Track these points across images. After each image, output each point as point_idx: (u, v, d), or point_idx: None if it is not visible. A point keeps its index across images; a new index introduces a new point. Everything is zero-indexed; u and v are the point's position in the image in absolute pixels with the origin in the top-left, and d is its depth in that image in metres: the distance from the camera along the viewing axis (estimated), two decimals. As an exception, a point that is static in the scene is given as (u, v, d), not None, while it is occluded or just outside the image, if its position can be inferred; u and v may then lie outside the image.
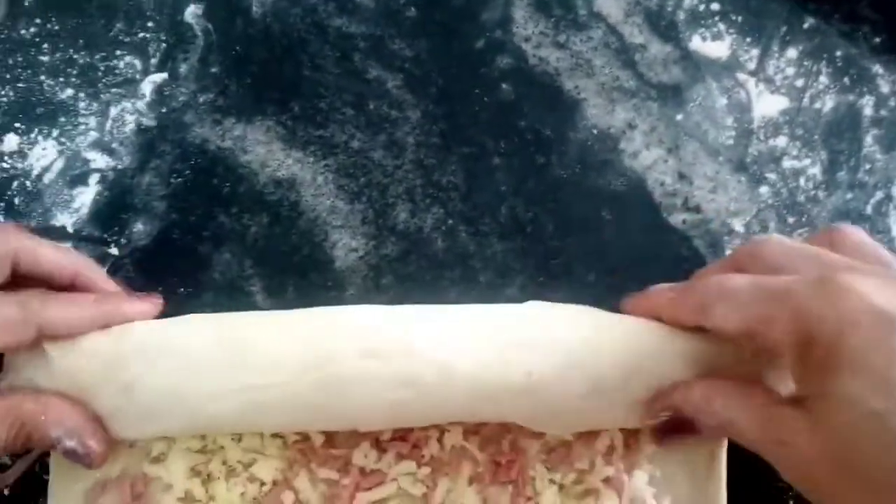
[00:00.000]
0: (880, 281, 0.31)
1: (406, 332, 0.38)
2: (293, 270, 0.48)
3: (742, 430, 0.33)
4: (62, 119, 0.51)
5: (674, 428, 0.38)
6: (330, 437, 0.42)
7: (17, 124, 0.51)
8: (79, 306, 0.39)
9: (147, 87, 0.52)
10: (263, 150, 0.50)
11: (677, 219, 0.48)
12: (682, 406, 0.36)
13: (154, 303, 0.42)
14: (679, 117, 0.50)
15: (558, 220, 0.48)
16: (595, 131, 0.50)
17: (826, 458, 0.30)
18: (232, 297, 0.47)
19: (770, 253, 0.36)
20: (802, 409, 0.31)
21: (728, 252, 0.47)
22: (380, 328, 0.38)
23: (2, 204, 0.49)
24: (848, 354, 0.29)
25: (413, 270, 0.48)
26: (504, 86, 0.51)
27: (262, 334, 0.38)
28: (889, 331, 0.29)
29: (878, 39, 0.52)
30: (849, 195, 0.48)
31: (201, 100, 0.51)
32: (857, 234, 0.36)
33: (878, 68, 0.51)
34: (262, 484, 0.42)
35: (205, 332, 0.39)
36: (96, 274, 0.42)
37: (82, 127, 0.51)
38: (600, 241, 0.48)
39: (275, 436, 0.42)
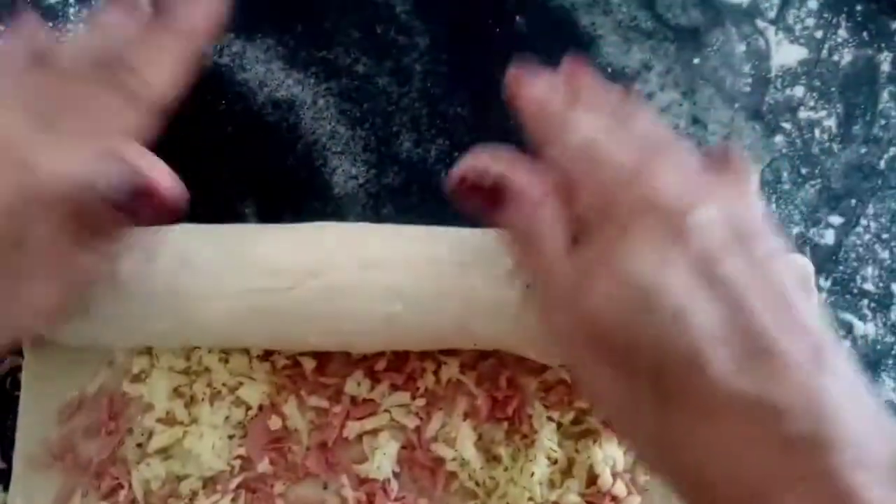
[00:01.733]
0: (683, 172, 0.31)
1: (407, 246, 0.36)
2: (289, 194, 0.45)
3: (533, 251, 0.32)
4: (49, 24, 0.48)
5: (471, 192, 0.35)
6: (321, 365, 0.41)
7: (1, 28, 0.48)
8: (165, 51, 0.34)
9: (141, -4, 0.49)
10: (262, 69, 0.48)
11: (689, 163, 0.47)
12: (508, 184, 0.33)
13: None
14: (696, 61, 0.49)
15: (567, 159, 0.46)
16: (610, 70, 0.48)
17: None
18: (223, 219, 0.45)
19: (625, 128, 0.34)
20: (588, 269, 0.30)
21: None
22: (379, 242, 0.37)
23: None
24: (635, 229, 0.29)
25: (415, 201, 0.46)
26: (518, 18, 0.49)
27: (261, 240, 0.36)
28: (669, 226, 0.29)
29: (898, -3, 0.51)
30: (863, 149, 0.47)
31: (199, 13, 0.48)
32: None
33: (897, 25, 0.50)
34: (248, 408, 0.40)
35: (203, 236, 0.37)
36: None
37: (72, 32, 0.48)
38: (610, 181, 0.46)
39: (263, 360, 0.40)
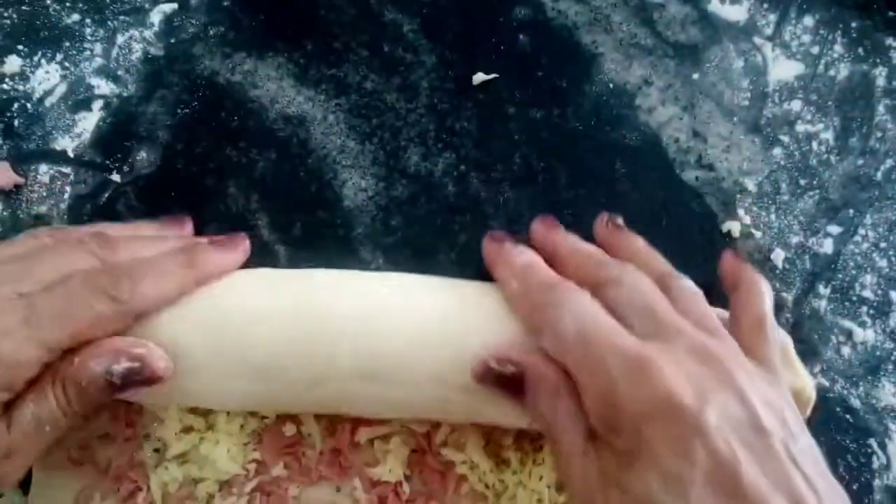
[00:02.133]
0: (693, 363, 0.31)
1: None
2: (301, 207, 0.47)
3: (555, 441, 0.33)
4: (66, 44, 0.49)
5: (496, 380, 0.36)
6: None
7: (19, 46, 0.49)
8: (170, 275, 0.37)
9: (156, 16, 0.50)
10: (274, 86, 0.49)
11: (690, 175, 0.48)
12: (524, 374, 0.35)
13: (242, 247, 0.41)
14: (695, 76, 0.50)
15: (571, 171, 0.48)
16: (611, 86, 0.50)
17: None
18: (236, 231, 0.46)
19: (619, 284, 0.35)
20: (603, 481, 0.30)
21: (740, 211, 0.47)
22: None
23: (0, 126, 0.48)
24: (645, 450, 0.29)
25: (423, 213, 0.47)
26: (521, 36, 0.50)
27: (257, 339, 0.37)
28: (683, 428, 0.28)
29: (891, 14, 0.52)
30: (860, 161, 0.49)
31: (211, 32, 0.50)
32: (690, 290, 0.36)
33: (891, 41, 0.52)
34: (264, 417, 0.41)
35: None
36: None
37: (87, 53, 0.49)
38: (613, 193, 0.47)
39: None
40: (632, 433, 0.30)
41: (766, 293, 0.36)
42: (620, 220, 0.42)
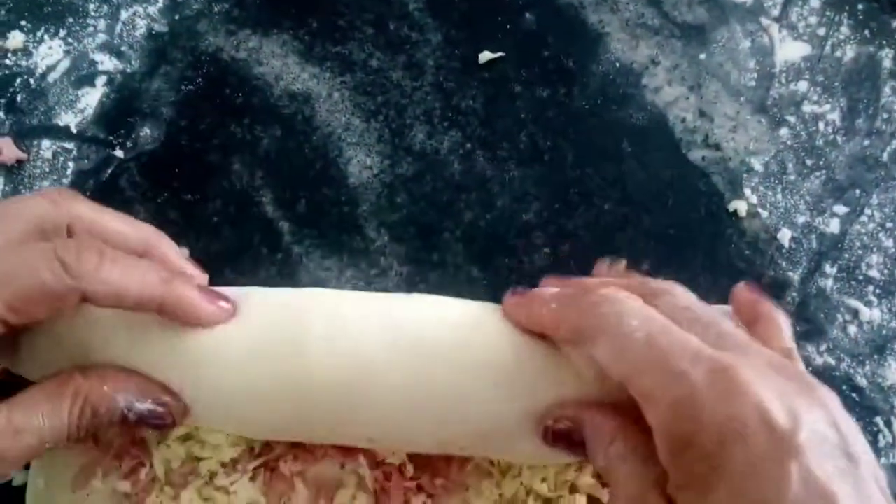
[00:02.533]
0: (778, 378, 0.27)
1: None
2: (305, 184, 0.46)
3: (622, 494, 0.29)
4: (70, 19, 0.49)
5: (556, 438, 0.34)
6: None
7: (23, 22, 0.49)
8: (139, 278, 0.32)
9: (160, -7, 0.50)
10: (279, 63, 0.49)
11: (696, 155, 0.48)
12: (581, 426, 0.33)
13: (225, 310, 0.35)
14: (702, 57, 0.50)
15: (578, 150, 0.47)
16: (618, 65, 0.49)
17: None
18: (240, 208, 0.46)
19: (671, 294, 0.32)
20: None
21: (746, 190, 0.47)
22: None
23: (3, 101, 0.47)
24: (728, 470, 0.25)
25: (428, 191, 0.47)
26: (527, 15, 0.50)
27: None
28: (774, 449, 0.25)
29: (898, -4, 0.52)
30: (866, 142, 0.48)
31: (216, 9, 0.50)
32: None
33: (897, 23, 0.51)
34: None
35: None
36: (169, 250, 0.38)
37: (91, 28, 0.49)
38: (619, 172, 0.47)
39: None
40: (712, 452, 0.26)
41: (786, 325, 0.33)
42: (623, 265, 0.39)
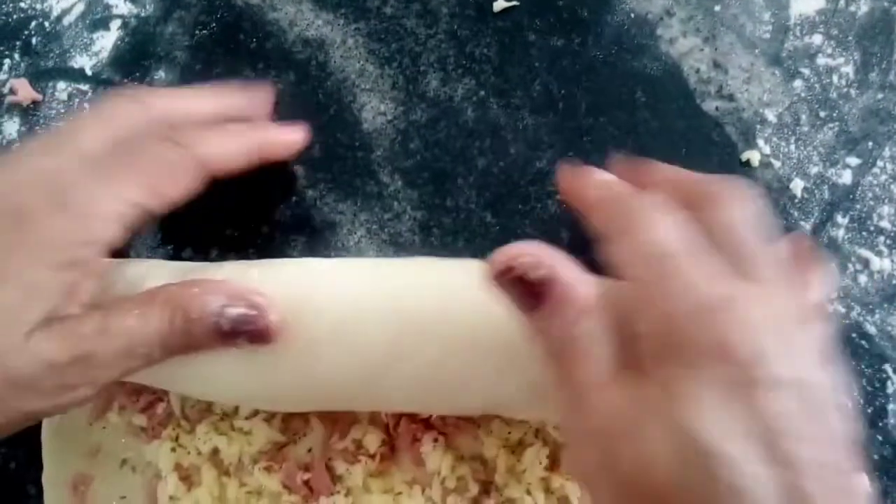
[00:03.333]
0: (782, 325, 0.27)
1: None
2: (320, 129, 0.46)
3: (566, 369, 0.29)
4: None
5: (513, 282, 0.30)
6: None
7: (36, -35, 0.49)
8: (233, 138, 0.37)
9: (174, -62, 0.50)
10: (293, 9, 0.49)
11: (710, 105, 0.48)
12: (546, 272, 0.29)
13: (301, 132, 0.42)
14: (717, 8, 0.50)
15: (591, 99, 0.48)
16: (632, 15, 0.49)
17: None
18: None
19: (718, 206, 0.30)
20: (640, 410, 0.27)
21: (759, 141, 0.47)
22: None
23: (18, 43, 0.47)
24: (700, 384, 0.26)
25: (442, 137, 0.47)
26: (542, -36, 0.50)
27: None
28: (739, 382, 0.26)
29: (914, -48, 0.52)
30: (879, 95, 0.48)
31: (231, -45, 0.49)
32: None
33: (913, -22, 0.51)
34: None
35: None
36: (245, 107, 0.42)
37: (105, -28, 0.49)
38: (633, 121, 0.47)
39: None
40: (691, 363, 0.26)
41: (828, 282, 0.33)
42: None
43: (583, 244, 0.43)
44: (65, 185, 0.31)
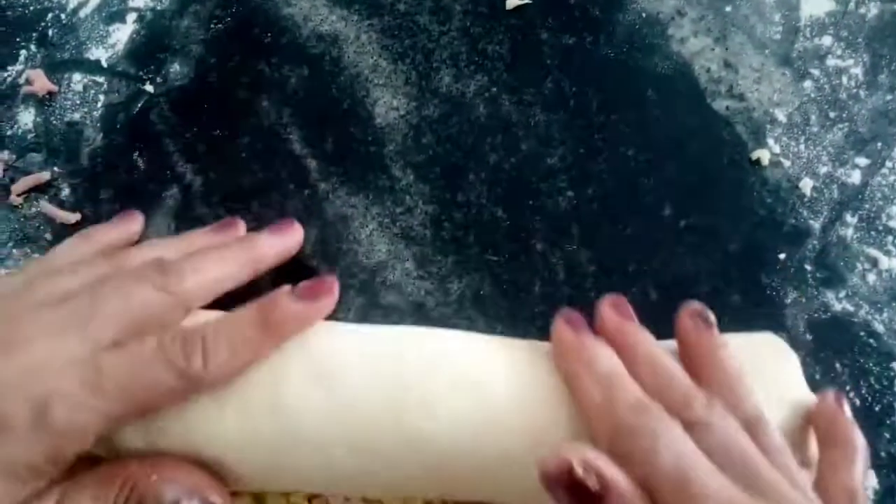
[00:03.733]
0: None
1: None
2: (333, 123, 0.47)
3: None
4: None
5: (568, 488, 0.29)
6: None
7: (53, -42, 0.49)
8: (247, 343, 0.33)
9: (190, -67, 0.50)
10: (307, 4, 0.49)
11: (721, 104, 0.48)
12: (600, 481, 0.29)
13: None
14: (728, 9, 0.50)
15: (603, 97, 0.48)
16: (644, 15, 0.50)
17: None
18: (268, 144, 0.46)
19: (707, 427, 0.31)
20: None
21: (769, 140, 0.47)
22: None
23: (35, 34, 0.48)
24: None
25: (454, 133, 0.47)
26: (555, -36, 0.50)
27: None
28: None
29: (924, -45, 0.52)
30: (888, 97, 0.49)
31: (246, -50, 0.50)
32: (778, 442, 0.32)
33: (923, -18, 0.52)
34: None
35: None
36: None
37: (122, -34, 0.49)
38: (643, 119, 0.47)
39: None
40: None
41: (861, 456, 0.32)
42: (712, 317, 0.36)
43: (592, 240, 0.44)
44: (50, 393, 0.30)
